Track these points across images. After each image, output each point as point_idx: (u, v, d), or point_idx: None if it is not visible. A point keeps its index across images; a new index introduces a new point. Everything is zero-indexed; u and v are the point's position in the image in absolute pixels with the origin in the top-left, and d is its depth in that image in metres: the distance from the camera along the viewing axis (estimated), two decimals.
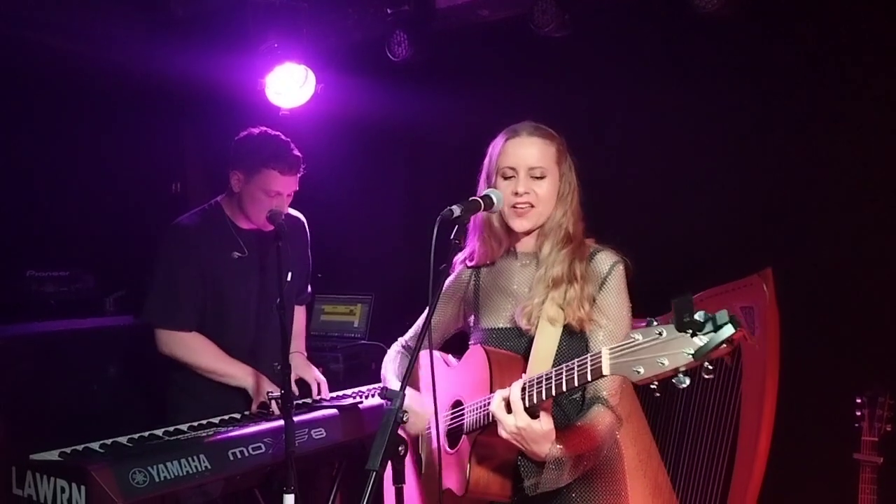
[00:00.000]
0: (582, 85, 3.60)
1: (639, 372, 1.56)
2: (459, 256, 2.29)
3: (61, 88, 3.98)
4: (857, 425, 2.66)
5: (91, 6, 3.84)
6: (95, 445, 2.41)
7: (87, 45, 3.93)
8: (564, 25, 3.29)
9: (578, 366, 1.73)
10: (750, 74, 3.23)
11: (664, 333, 1.53)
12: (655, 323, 1.56)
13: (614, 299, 2.04)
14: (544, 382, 1.80)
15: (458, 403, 2.14)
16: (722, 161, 3.27)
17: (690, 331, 1.48)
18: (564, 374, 1.76)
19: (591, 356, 1.70)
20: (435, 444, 2.16)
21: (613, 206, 3.24)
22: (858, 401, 2.67)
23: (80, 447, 2.38)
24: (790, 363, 2.71)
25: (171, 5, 4.04)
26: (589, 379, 1.70)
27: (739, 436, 2.71)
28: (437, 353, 2.33)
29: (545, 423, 1.81)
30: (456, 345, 2.34)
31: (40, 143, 3.96)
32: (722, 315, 1.46)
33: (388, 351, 2.46)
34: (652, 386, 1.58)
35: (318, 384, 3.07)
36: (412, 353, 1.90)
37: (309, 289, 3.35)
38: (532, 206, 2.08)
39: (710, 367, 1.49)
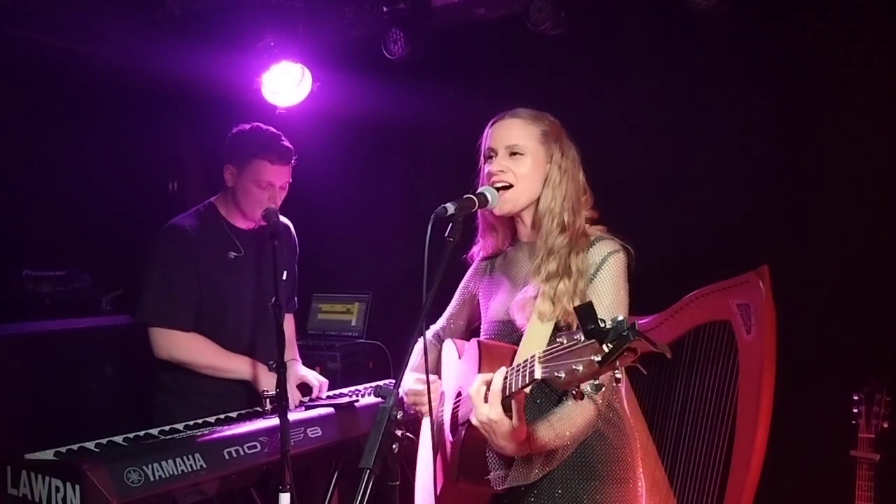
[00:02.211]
0: (578, 82, 3.59)
1: (560, 377, 1.57)
2: (475, 248, 2.30)
3: (57, 86, 3.97)
4: (853, 422, 2.65)
5: (88, 4, 3.83)
6: (90, 444, 2.40)
7: (83, 43, 3.91)
8: (560, 23, 3.29)
9: (523, 367, 1.72)
10: (746, 71, 3.23)
11: (581, 339, 1.54)
12: (578, 328, 1.57)
13: (604, 290, 1.99)
14: (510, 377, 1.79)
15: (460, 394, 2.17)
16: (718, 157, 3.27)
17: (598, 339, 1.50)
18: (511, 375, 1.77)
19: (528, 359, 1.69)
20: (444, 433, 2.17)
21: (609, 203, 3.23)
22: (855, 397, 2.67)
23: (74, 446, 2.37)
24: (787, 360, 2.70)
25: (168, 3, 4.03)
26: (526, 381, 1.69)
27: (736, 432, 2.70)
28: (455, 343, 2.33)
29: (516, 420, 1.78)
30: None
31: (36, 142, 3.95)
32: (622, 323, 1.47)
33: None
34: (572, 392, 1.61)
35: (320, 384, 3.08)
36: (411, 346, 1.89)
37: (295, 299, 3.34)
38: (511, 186, 2.04)
39: (619, 377, 1.52)
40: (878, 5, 2.92)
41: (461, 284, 2.38)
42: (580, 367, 1.52)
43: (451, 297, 2.43)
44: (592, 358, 1.50)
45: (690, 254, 3.20)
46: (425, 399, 2.19)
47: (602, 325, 1.49)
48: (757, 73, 3.21)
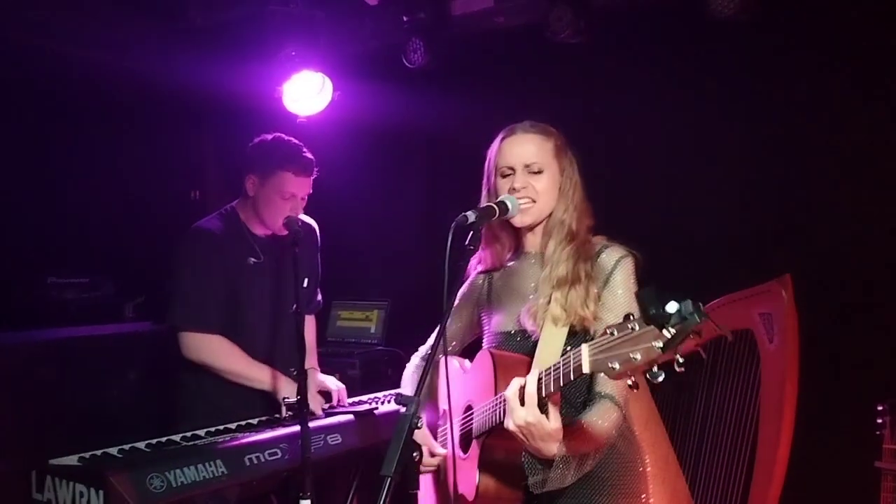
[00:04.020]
0: (598, 91, 3.60)
1: (614, 368, 1.55)
2: (472, 263, 2.28)
3: (82, 96, 4.01)
4: (878, 433, 2.62)
5: (110, 15, 3.88)
6: (114, 451, 2.43)
7: (107, 54, 3.96)
8: (580, 32, 3.28)
9: (563, 364, 1.71)
10: (767, 79, 3.21)
11: (636, 328, 1.51)
12: (632, 317, 1.55)
13: (620, 294, 2.00)
14: (543, 378, 1.78)
15: (469, 408, 2.14)
16: (741, 166, 3.25)
17: (658, 324, 1.46)
18: (552, 372, 1.75)
19: (573, 353, 1.68)
20: (449, 451, 2.16)
21: (632, 212, 3.23)
22: (880, 408, 2.64)
23: (98, 452, 2.40)
24: (809, 370, 2.68)
25: (190, 14, 4.08)
26: (572, 378, 1.68)
27: (759, 443, 2.68)
28: (454, 359, 2.33)
29: (554, 421, 1.77)
30: (475, 350, 2.34)
31: (61, 151, 4.01)
32: (686, 305, 1.43)
33: (408, 364, 2.46)
34: (629, 382, 1.57)
35: (338, 390, 3.09)
36: (427, 360, 1.90)
37: (319, 296, 3.35)
38: (532, 202, 2.07)
39: (682, 361, 1.47)
40: None
41: (455, 301, 2.32)
42: (638, 356, 1.50)
43: None
44: (653, 344, 1.47)
45: (713, 262, 3.19)
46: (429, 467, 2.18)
47: (663, 309, 1.45)
48: (778, 82, 3.19)
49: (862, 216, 3.00)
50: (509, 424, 1.80)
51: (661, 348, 1.46)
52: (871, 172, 2.99)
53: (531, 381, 1.78)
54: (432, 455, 2.21)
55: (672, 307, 1.45)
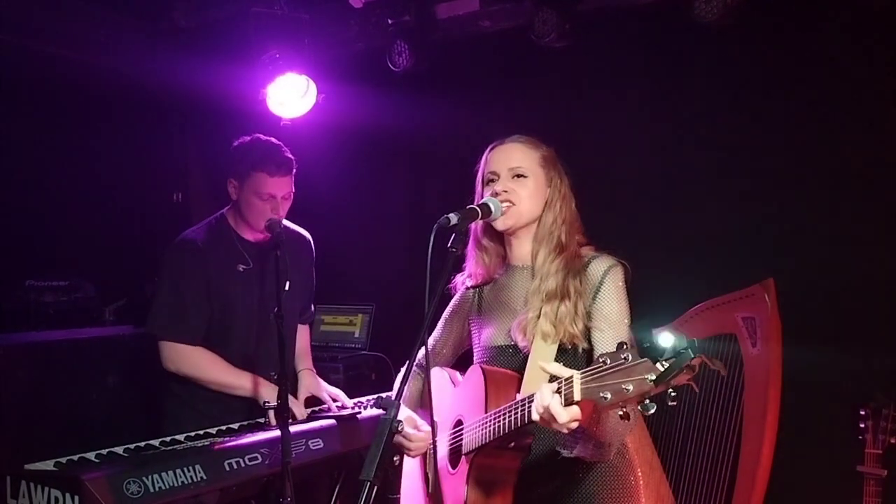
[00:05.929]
0: (582, 94, 3.60)
1: (605, 398, 1.54)
2: (459, 278, 2.28)
3: (62, 97, 3.98)
4: (860, 437, 2.63)
5: (93, 15, 3.85)
6: (91, 455, 2.40)
7: (89, 54, 3.93)
8: (565, 35, 3.29)
9: (559, 389, 1.68)
10: (750, 83, 3.23)
11: (629, 358, 1.52)
12: (625, 346, 1.55)
13: (612, 302, 2.00)
14: (524, 406, 1.76)
15: (459, 423, 2.13)
16: (724, 170, 3.26)
17: (652, 357, 1.47)
18: (533, 400, 1.72)
19: (564, 381, 1.65)
20: (439, 464, 2.14)
21: (614, 216, 3.23)
22: (862, 412, 2.65)
23: (75, 457, 2.37)
24: (793, 374, 2.69)
25: (175, 15, 4.06)
26: (563, 405, 1.65)
27: (742, 447, 2.68)
28: (446, 372, 2.33)
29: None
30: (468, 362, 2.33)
31: (41, 152, 3.96)
32: (681, 341, 1.45)
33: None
34: (619, 413, 1.56)
35: (334, 398, 3.06)
36: (407, 367, 1.88)
37: (312, 308, 3.33)
38: (512, 204, 2.06)
39: (674, 394, 1.48)
40: (883, 19, 2.92)
41: (445, 314, 2.35)
42: (630, 387, 1.49)
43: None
44: (646, 377, 1.47)
45: (696, 266, 3.19)
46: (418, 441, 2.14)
47: (657, 343, 1.46)
48: (761, 85, 3.21)
49: (845, 220, 3.01)
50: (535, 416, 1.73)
51: (653, 381, 1.47)
52: (855, 177, 3.01)
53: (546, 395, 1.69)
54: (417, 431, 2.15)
55: (666, 341, 1.46)
